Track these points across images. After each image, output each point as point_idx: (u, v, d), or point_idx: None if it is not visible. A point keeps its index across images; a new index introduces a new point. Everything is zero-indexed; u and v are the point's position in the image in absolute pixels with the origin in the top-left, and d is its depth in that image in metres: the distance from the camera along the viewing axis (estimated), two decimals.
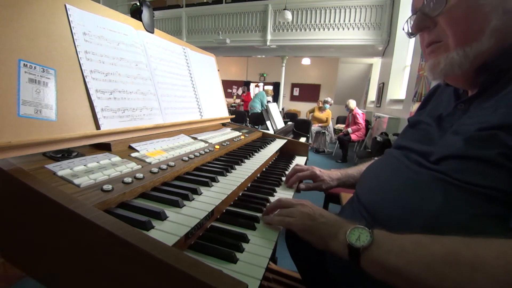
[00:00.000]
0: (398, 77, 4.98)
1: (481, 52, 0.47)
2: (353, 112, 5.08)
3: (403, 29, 0.60)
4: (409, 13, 0.57)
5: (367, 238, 0.42)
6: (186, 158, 0.70)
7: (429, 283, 0.34)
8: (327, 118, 5.95)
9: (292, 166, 1.03)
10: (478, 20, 0.46)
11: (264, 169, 0.96)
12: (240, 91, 11.10)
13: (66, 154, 0.52)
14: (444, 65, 0.50)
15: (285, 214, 0.55)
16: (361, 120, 5.02)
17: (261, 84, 11.08)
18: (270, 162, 1.06)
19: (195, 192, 0.56)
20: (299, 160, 1.18)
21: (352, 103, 5.12)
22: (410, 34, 0.59)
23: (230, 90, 11.07)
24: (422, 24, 0.52)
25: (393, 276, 0.38)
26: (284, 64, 7.33)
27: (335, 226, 0.49)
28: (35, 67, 0.50)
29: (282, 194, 0.75)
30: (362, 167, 0.84)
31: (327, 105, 5.85)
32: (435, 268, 0.34)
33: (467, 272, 0.32)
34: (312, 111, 6.39)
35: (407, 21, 0.59)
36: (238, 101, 10.76)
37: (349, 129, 5.07)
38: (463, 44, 0.48)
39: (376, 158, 0.77)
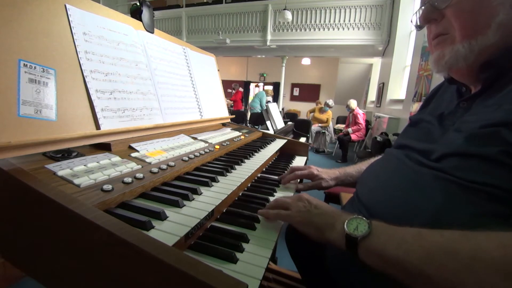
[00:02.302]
0: (398, 77, 4.98)
1: (486, 47, 0.47)
2: (354, 112, 5.08)
3: (411, 21, 0.61)
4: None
5: (365, 228, 0.42)
6: (186, 158, 0.70)
7: (427, 272, 0.34)
8: (327, 118, 5.95)
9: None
10: (485, 14, 0.46)
11: (264, 169, 0.96)
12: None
13: (66, 154, 0.52)
14: (449, 57, 0.51)
15: (281, 207, 0.56)
16: (361, 120, 5.02)
17: (261, 84, 11.08)
18: (270, 162, 1.06)
19: (195, 192, 0.56)
20: (299, 160, 1.18)
21: (353, 103, 5.12)
22: (418, 27, 0.60)
23: (230, 90, 11.05)
24: (430, 16, 0.53)
25: (391, 266, 0.38)
26: (284, 64, 7.34)
27: (333, 216, 0.49)
28: (35, 67, 0.50)
29: (282, 194, 0.75)
30: (362, 165, 0.83)
31: (327, 108, 5.85)
32: (434, 257, 0.34)
33: (466, 262, 0.32)
34: (313, 111, 6.39)
35: (415, 13, 0.59)
36: None
37: (350, 129, 5.07)
38: (469, 37, 0.48)
39: (376, 157, 0.76)
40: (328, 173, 0.83)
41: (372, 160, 0.82)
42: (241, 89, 8.80)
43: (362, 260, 0.42)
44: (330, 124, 6.02)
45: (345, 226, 0.44)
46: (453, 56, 0.50)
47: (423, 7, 0.54)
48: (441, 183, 0.44)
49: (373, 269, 0.40)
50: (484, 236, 0.33)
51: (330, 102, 5.82)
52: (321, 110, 6.03)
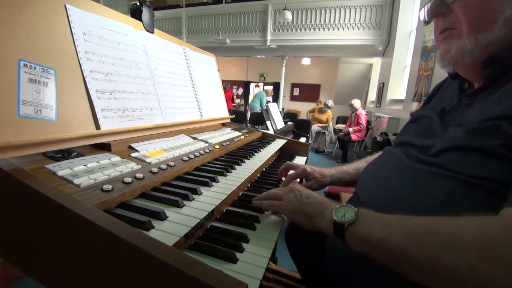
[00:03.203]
0: (398, 77, 4.97)
1: (492, 42, 0.47)
2: (357, 112, 5.07)
3: (419, 16, 0.61)
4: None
5: (351, 215, 0.43)
6: (186, 158, 0.70)
7: (409, 251, 0.35)
8: (327, 118, 5.96)
9: None
10: (492, 9, 0.47)
11: (264, 169, 0.96)
12: (240, 91, 11.05)
13: (66, 154, 0.52)
14: (455, 52, 0.51)
15: (273, 198, 0.57)
16: (363, 121, 5.02)
17: (261, 84, 11.08)
18: (270, 162, 1.06)
19: (195, 192, 0.56)
20: (299, 160, 1.18)
21: (357, 103, 5.12)
22: (425, 21, 0.60)
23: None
24: (438, 10, 0.53)
25: (375, 249, 0.39)
26: (284, 64, 7.33)
27: (322, 205, 0.50)
28: (35, 67, 0.50)
29: None
30: (359, 163, 0.83)
31: (327, 109, 5.86)
32: (416, 237, 0.35)
33: (446, 240, 0.33)
34: (313, 111, 6.39)
35: (423, 7, 0.60)
36: (238, 101, 10.69)
37: (351, 129, 5.06)
38: (475, 31, 0.48)
39: (375, 155, 0.76)
40: (323, 172, 0.81)
41: (370, 157, 0.82)
42: (229, 87, 8.70)
43: (350, 246, 0.42)
44: (330, 124, 6.02)
45: (333, 214, 0.45)
46: (459, 51, 0.50)
47: (431, 2, 0.54)
48: (440, 180, 0.44)
49: (365, 257, 0.41)
50: (465, 218, 0.35)
51: (330, 102, 5.83)
52: (321, 111, 6.03)
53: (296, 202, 0.53)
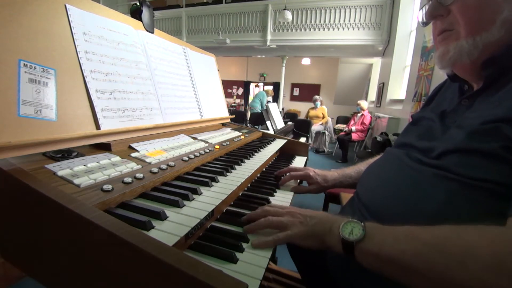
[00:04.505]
0: (398, 77, 4.98)
1: (490, 43, 0.47)
2: (364, 113, 5.09)
3: (418, 18, 0.61)
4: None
5: (359, 232, 0.43)
6: (186, 158, 0.70)
7: (420, 269, 0.35)
8: (323, 113, 6.00)
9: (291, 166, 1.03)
10: (490, 10, 0.47)
11: (264, 169, 0.96)
12: (240, 91, 11.07)
13: (66, 154, 0.52)
14: (453, 53, 0.51)
15: (275, 227, 0.52)
16: (368, 122, 5.04)
17: (261, 84, 11.08)
18: (270, 162, 1.06)
19: (195, 192, 0.56)
20: (299, 160, 1.18)
21: (365, 104, 5.15)
22: (423, 23, 0.60)
23: (230, 90, 11.07)
24: (436, 12, 0.53)
25: (387, 266, 0.39)
26: (284, 64, 7.33)
27: (328, 221, 0.49)
28: (35, 67, 0.50)
29: (282, 194, 0.75)
30: (360, 166, 0.83)
31: (318, 103, 5.96)
32: (427, 255, 0.35)
33: (457, 258, 0.33)
34: (307, 113, 6.41)
35: (421, 9, 0.60)
36: (238, 101, 10.71)
37: (353, 128, 5.07)
38: (473, 32, 0.48)
39: (376, 157, 0.76)
40: (326, 176, 0.81)
41: (371, 160, 0.82)
42: None
43: (360, 262, 0.42)
44: (330, 124, 6.03)
45: (341, 231, 0.44)
46: (457, 52, 0.50)
47: (429, 3, 0.55)
48: (442, 182, 0.44)
49: (371, 270, 0.41)
50: (474, 232, 0.34)
51: (317, 97, 6.02)
52: (314, 108, 6.10)
53: (303, 227, 0.50)
